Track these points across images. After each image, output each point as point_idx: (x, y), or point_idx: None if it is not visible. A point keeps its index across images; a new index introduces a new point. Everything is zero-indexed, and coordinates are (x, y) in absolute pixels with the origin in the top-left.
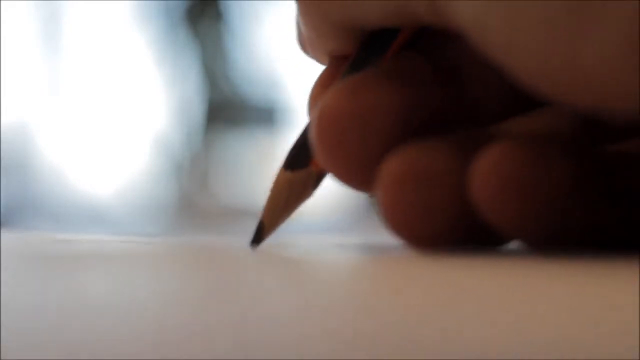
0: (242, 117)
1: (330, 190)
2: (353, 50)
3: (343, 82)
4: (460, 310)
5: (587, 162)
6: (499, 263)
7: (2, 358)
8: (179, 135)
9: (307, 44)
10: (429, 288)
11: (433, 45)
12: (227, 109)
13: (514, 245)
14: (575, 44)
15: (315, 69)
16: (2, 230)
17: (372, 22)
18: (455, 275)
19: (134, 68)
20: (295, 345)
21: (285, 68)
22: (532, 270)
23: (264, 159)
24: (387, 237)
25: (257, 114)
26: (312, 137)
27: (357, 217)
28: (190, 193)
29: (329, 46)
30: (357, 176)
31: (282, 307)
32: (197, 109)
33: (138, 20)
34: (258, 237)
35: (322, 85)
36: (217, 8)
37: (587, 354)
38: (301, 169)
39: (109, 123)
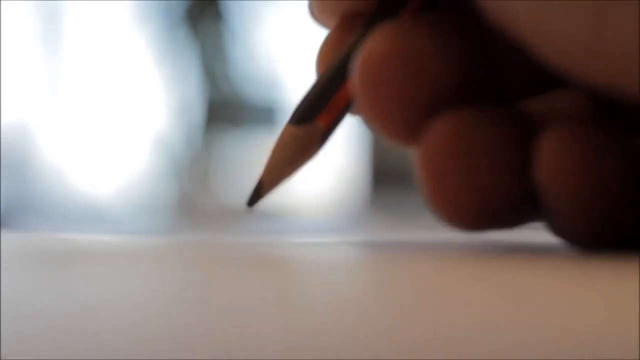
0: (242, 117)
1: (330, 191)
2: (365, 8)
3: (384, 27)
4: (459, 309)
5: (626, 147)
6: (500, 262)
7: (2, 358)
8: (179, 135)
9: (317, 8)
10: (429, 287)
11: (457, 14)
12: (227, 109)
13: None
14: (599, 24)
15: (314, 71)
16: (2, 230)
17: None
18: (455, 274)
19: (134, 68)
20: (295, 345)
21: (285, 68)
22: (532, 269)
23: (264, 159)
24: (386, 237)
25: (257, 114)
26: (354, 82)
27: (357, 217)
28: (190, 193)
29: (340, 4)
30: (398, 126)
31: (282, 307)
32: (197, 109)
33: (138, 20)
34: (255, 196)
35: (331, 44)
36: (217, 8)
37: (587, 354)
38: (307, 124)
39: (109, 123)
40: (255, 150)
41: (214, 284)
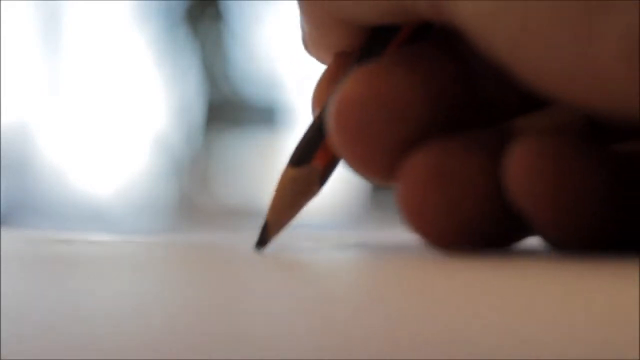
0: (242, 117)
1: (330, 191)
2: (357, 46)
3: (359, 70)
4: (459, 308)
5: (607, 158)
6: (499, 261)
7: (2, 358)
8: (179, 135)
9: (310, 43)
10: (428, 287)
11: (443, 39)
12: (227, 109)
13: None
14: (585, 44)
15: (315, 69)
16: (2, 230)
17: (372, 19)
18: (454, 274)
19: (133, 68)
20: (295, 344)
21: (285, 68)
22: (532, 268)
23: (264, 159)
24: (386, 236)
25: (257, 114)
26: (330, 126)
27: (357, 216)
28: (190, 193)
29: (332, 43)
30: (377, 166)
31: (282, 306)
32: (197, 109)
33: (138, 20)
34: (263, 238)
35: (326, 82)
36: (217, 8)
37: (587, 354)
38: (305, 165)
39: (108, 123)
40: (255, 150)
41: (214, 284)
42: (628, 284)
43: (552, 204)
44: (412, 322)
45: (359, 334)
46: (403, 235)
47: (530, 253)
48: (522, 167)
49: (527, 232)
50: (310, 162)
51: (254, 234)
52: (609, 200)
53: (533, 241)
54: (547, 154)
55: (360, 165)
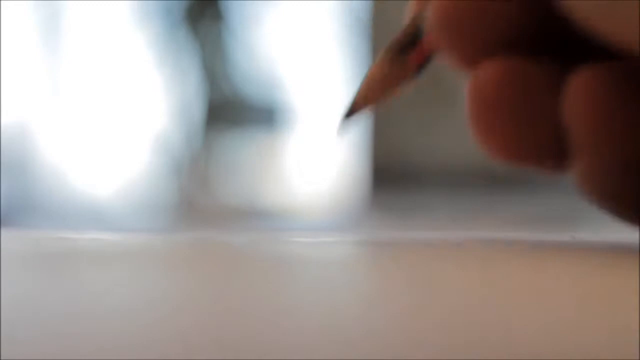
0: (242, 117)
1: (330, 190)
2: None
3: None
4: (458, 308)
5: None
6: (499, 261)
7: (2, 358)
8: (179, 135)
9: None
10: (428, 286)
11: None
12: (227, 109)
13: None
14: None
15: (314, 71)
16: (2, 230)
17: None
18: (454, 273)
19: (134, 68)
20: (295, 344)
21: (285, 68)
22: (532, 268)
23: (264, 159)
24: (386, 237)
25: (257, 114)
26: (431, 23)
27: (357, 217)
28: (190, 193)
29: None
30: (465, 59)
31: (281, 306)
32: (197, 109)
33: (138, 20)
34: (349, 112)
35: None
36: (217, 8)
37: (587, 353)
38: (402, 56)
39: (109, 123)
40: (255, 150)
41: (214, 284)
42: (628, 284)
43: (604, 132)
44: (412, 322)
45: (358, 333)
46: (404, 236)
47: (530, 252)
48: (578, 92)
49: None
50: (407, 57)
51: (254, 234)
52: None
53: (533, 239)
54: (604, 81)
55: (453, 54)
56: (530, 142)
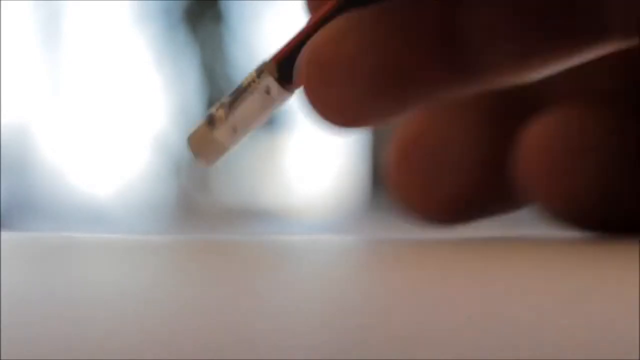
0: None
1: (330, 191)
2: None
3: (337, 20)
4: (458, 308)
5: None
6: (499, 261)
7: (2, 358)
8: (178, 135)
9: None
10: (428, 286)
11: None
12: None
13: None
14: None
15: None
16: (2, 230)
17: None
18: (454, 273)
19: (133, 68)
20: (294, 344)
21: None
22: (532, 267)
23: (264, 159)
24: (386, 237)
25: None
26: (300, 79)
27: (357, 217)
28: (190, 193)
29: None
30: (339, 114)
31: (281, 306)
32: (197, 109)
33: (138, 21)
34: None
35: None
36: (217, 8)
37: (588, 353)
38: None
39: (108, 123)
40: (256, 151)
41: (214, 284)
42: (628, 283)
43: (561, 187)
44: (412, 322)
45: (359, 333)
46: (404, 236)
47: (530, 251)
48: (535, 144)
49: (519, 205)
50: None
51: (254, 234)
52: (625, 184)
53: (533, 237)
54: (563, 133)
55: (327, 116)
56: (464, 196)
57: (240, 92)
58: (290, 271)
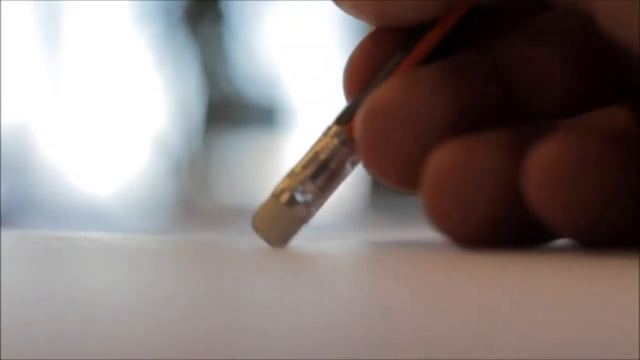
0: (242, 117)
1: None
2: (425, 20)
3: (393, 78)
4: (458, 308)
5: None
6: (499, 261)
7: (2, 358)
8: (178, 135)
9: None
10: (428, 286)
11: (487, 44)
12: (227, 109)
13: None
14: None
15: (314, 71)
16: (2, 230)
17: None
18: (454, 274)
19: (133, 68)
20: (294, 344)
21: (285, 68)
22: (532, 269)
23: (264, 159)
24: (386, 237)
25: (257, 114)
26: (357, 132)
27: (357, 217)
28: (190, 193)
29: (411, 10)
30: (399, 175)
31: (281, 306)
32: (197, 109)
33: (138, 21)
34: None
35: (360, 56)
36: (217, 8)
37: (588, 353)
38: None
39: (108, 123)
40: (255, 150)
41: (213, 284)
42: (628, 285)
43: (568, 215)
44: (412, 322)
45: (359, 332)
46: (404, 236)
47: (530, 253)
48: (538, 173)
49: (547, 234)
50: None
51: (254, 234)
52: (632, 209)
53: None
54: (565, 160)
55: (381, 172)
56: (491, 227)
57: (315, 160)
58: (289, 271)
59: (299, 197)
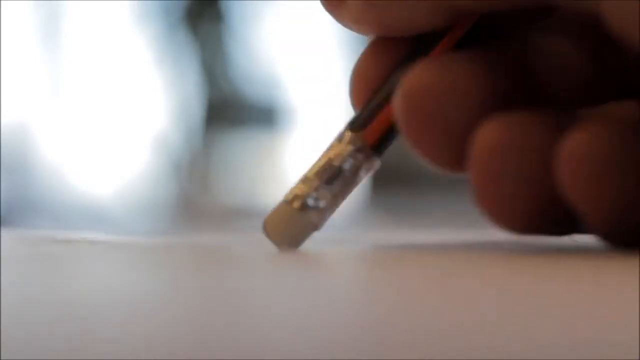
0: (242, 117)
1: None
2: (432, 28)
3: (424, 62)
4: (458, 308)
5: None
6: (500, 261)
7: (2, 358)
8: (178, 135)
9: (361, 9)
10: (428, 286)
11: (507, 36)
12: (227, 109)
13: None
14: None
15: (314, 71)
16: (2, 230)
17: (501, 4)
18: (454, 274)
19: (133, 68)
20: (295, 343)
21: (285, 68)
22: (532, 268)
23: (264, 159)
24: (386, 237)
25: (257, 114)
26: (399, 116)
27: (357, 217)
28: (190, 193)
29: (417, 19)
30: (445, 153)
31: (282, 305)
32: (197, 109)
33: (138, 21)
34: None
35: (365, 64)
36: (217, 8)
37: (587, 353)
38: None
39: (108, 123)
40: (255, 150)
41: (213, 284)
42: (628, 284)
43: (601, 200)
44: (412, 322)
45: (359, 332)
46: (404, 236)
47: (530, 253)
48: (572, 158)
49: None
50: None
51: (254, 234)
52: None
53: (534, 241)
54: (599, 146)
55: (428, 154)
56: (537, 208)
57: (328, 166)
58: (290, 271)
59: (311, 203)
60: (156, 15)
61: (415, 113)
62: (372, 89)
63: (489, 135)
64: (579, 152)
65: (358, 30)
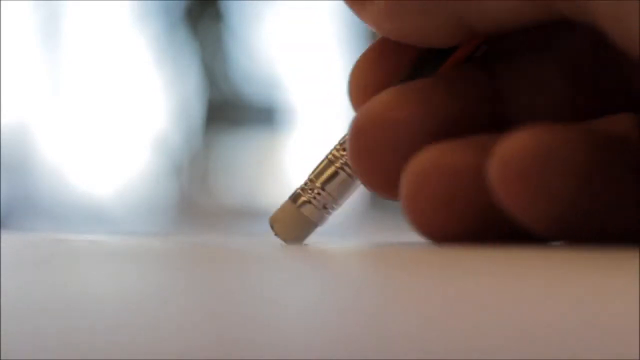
0: (242, 117)
1: None
2: (451, 44)
3: (386, 92)
4: (458, 308)
5: (612, 152)
6: (499, 261)
7: (2, 358)
8: (178, 135)
9: (382, 13)
10: (428, 286)
11: (491, 62)
12: (227, 109)
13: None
14: None
15: (314, 71)
16: (2, 230)
17: (510, 19)
18: (453, 273)
19: (133, 68)
20: (295, 343)
21: (285, 68)
22: (532, 268)
23: (264, 159)
24: (386, 237)
25: (257, 114)
26: (347, 142)
27: (357, 217)
28: (190, 193)
29: (433, 33)
30: (382, 181)
31: (282, 306)
32: (197, 109)
33: (138, 20)
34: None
35: (364, 65)
36: (217, 8)
37: (587, 353)
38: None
39: (108, 123)
40: (255, 150)
41: (213, 284)
42: (628, 284)
43: (530, 197)
44: (412, 322)
45: (359, 332)
46: (404, 236)
47: (529, 253)
48: (501, 159)
49: (522, 231)
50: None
51: (254, 234)
52: (598, 193)
53: (534, 240)
54: (529, 146)
55: (367, 180)
56: (459, 222)
57: (329, 169)
58: (290, 271)
59: (314, 203)
60: (156, 15)
61: (358, 144)
62: (369, 90)
63: (418, 161)
64: (508, 152)
65: (377, 31)
